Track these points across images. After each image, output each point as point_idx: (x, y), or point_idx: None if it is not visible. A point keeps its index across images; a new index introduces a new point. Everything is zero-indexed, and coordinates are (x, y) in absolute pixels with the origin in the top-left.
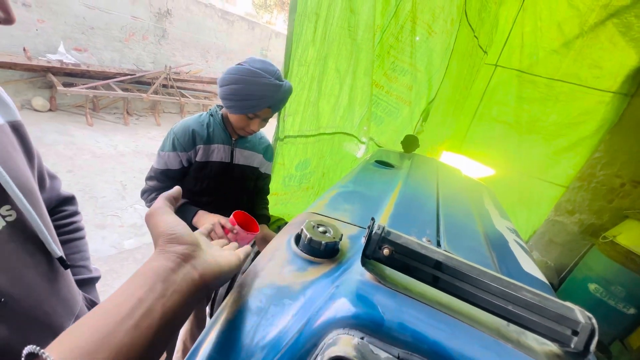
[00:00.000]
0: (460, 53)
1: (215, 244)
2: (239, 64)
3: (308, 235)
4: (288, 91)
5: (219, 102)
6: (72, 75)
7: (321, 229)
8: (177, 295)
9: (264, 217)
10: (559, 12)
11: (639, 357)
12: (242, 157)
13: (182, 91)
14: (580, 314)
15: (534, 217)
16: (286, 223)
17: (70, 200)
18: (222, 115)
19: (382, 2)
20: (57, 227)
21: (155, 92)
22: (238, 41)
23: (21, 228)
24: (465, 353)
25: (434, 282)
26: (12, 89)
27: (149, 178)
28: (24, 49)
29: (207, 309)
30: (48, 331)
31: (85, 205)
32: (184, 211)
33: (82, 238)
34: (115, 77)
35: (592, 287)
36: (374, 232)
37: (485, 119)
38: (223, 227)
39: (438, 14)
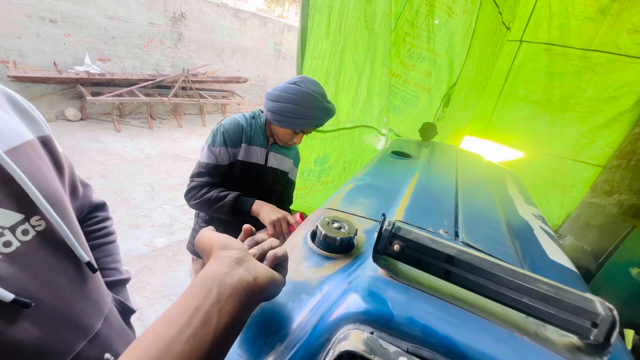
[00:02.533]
0: (483, 32)
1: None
2: (295, 84)
3: (323, 232)
4: (334, 113)
5: (236, 100)
6: (98, 84)
7: (336, 224)
8: (232, 299)
9: None
10: None
11: None
12: (275, 160)
13: (201, 92)
14: (601, 306)
15: (567, 200)
16: (307, 216)
17: (101, 206)
18: (264, 119)
19: None
20: (89, 233)
21: (176, 95)
22: (251, 38)
23: (50, 236)
24: (475, 346)
25: (446, 276)
26: (46, 101)
27: (197, 174)
28: (55, 64)
29: None
30: (79, 331)
31: (119, 207)
32: (241, 202)
33: (112, 242)
34: (138, 83)
35: (634, 271)
36: (384, 228)
37: (512, 99)
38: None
39: None
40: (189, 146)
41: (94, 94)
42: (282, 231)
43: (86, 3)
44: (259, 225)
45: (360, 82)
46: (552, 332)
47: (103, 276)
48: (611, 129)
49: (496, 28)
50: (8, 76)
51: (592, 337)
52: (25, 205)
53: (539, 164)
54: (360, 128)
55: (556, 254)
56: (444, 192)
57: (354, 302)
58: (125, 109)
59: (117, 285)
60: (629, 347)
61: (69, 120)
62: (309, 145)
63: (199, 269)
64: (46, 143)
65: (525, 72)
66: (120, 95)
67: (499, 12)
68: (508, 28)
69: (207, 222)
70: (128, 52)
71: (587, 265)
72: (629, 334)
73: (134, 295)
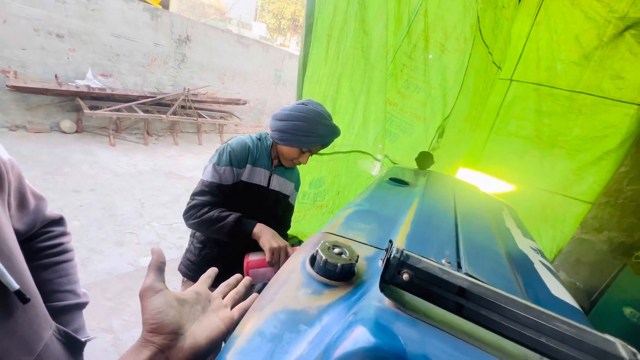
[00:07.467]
0: (475, 69)
1: (217, 297)
2: (302, 104)
3: (323, 257)
4: (339, 133)
5: (234, 121)
6: (97, 99)
7: (337, 250)
8: None
9: None
10: (575, 24)
11: None
12: (278, 183)
13: (200, 112)
14: (623, 349)
15: (559, 235)
16: (300, 241)
17: (57, 221)
18: (270, 142)
19: (394, 22)
20: (40, 249)
21: (174, 113)
22: (253, 63)
23: None
24: None
25: (458, 310)
26: (43, 112)
27: (199, 193)
28: (56, 76)
29: None
30: None
31: (105, 222)
32: (243, 223)
33: (69, 260)
34: (137, 100)
35: (627, 311)
36: (392, 255)
37: (503, 133)
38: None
39: (450, 33)
40: (183, 164)
41: (92, 108)
42: (279, 260)
43: (95, 20)
44: (256, 248)
45: (356, 107)
46: None
47: (55, 300)
48: (598, 166)
49: (487, 67)
50: (7, 85)
51: None
52: None
53: (530, 197)
54: (356, 153)
55: (559, 290)
56: (443, 221)
57: (362, 337)
58: (122, 124)
59: (71, 310)
60: None
61: (64, 132)
62: (305, 167)
63: None
64: None
65: (516, 109)
66: (118, 110)
67: (489, 53)
68: (499, 67)
69: (203, 243)
70: (131, 70)
71: (580, 303)
72: None
73: (111, 318)
